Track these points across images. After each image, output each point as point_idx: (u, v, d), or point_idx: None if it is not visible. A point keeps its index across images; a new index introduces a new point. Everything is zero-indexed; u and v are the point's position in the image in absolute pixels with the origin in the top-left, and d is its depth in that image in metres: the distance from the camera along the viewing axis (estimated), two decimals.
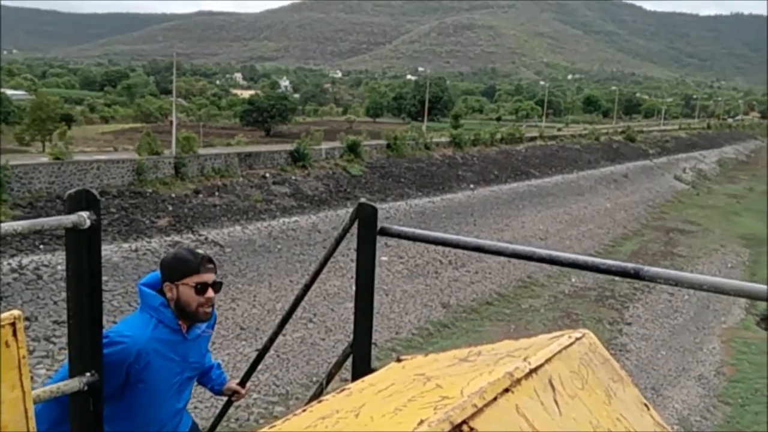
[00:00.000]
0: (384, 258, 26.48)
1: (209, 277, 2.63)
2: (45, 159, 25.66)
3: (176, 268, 2.63)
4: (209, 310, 2.66)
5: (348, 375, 2.51)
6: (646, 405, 1.15)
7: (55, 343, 17.44)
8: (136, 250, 22.49)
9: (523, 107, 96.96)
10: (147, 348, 2.55)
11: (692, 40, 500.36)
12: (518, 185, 42.44)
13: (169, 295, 2.63)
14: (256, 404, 17.03)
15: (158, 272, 2.71)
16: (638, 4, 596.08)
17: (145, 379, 2.58)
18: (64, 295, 2.24)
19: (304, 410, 1.13)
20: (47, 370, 16.36)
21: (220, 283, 2.72)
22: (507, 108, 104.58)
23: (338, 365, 2.63)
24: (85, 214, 2.08)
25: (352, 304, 2.63)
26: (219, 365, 3.16)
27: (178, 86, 59.67)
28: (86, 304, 2.19)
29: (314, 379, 18.26)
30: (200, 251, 2.67)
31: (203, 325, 2.77)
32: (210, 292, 2.63)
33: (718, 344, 25.18)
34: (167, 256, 2.71)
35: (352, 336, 2.62)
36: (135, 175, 25.96)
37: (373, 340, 2.57)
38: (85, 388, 2.19)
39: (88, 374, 2.20)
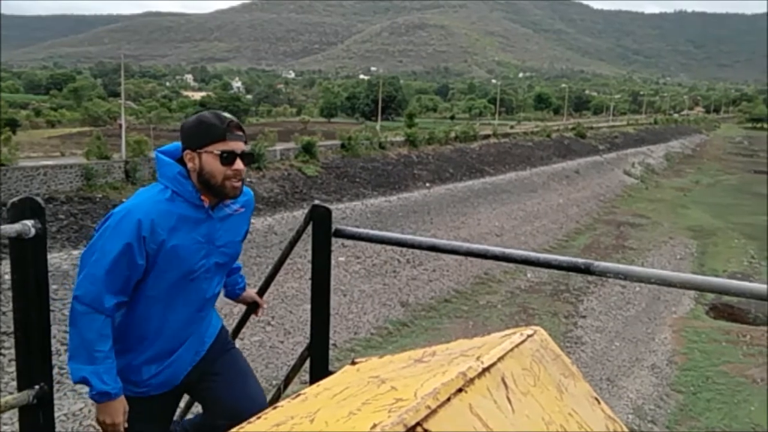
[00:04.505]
0: (341, 258, 26.43)
1: (238, 146, 2.23)
2: None
3: (198, 133, 2.22)
4: (238, 184, 2.25)
5: (308, 376, 2.51)
6: (597, 399, 1.17)
7: (4, 355, 16.92)
8: None
9: (476, 105, 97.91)
10: (162, 223, 2.16)
11: (638, 38, 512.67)
12: (473, 183, 42.82)
13: (190, 165, 2.23)
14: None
15: (177, 143, 2.32)
16: (585, 2, 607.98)
17: (167, 261, 2.20)
18: (12, 305, 2.16)
19: (258, 417, 1.12)
20: None
21: (251, 154, 2.34)
22: (460, 106, 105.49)
23: (295, 369, 2.62)
24: (29, 222, 2.03)
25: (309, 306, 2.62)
26: (240, 267, 2.75)
27: (126, 89, 58.56)
28: (33, 316, 2.13)
29: (274, 382, 18.10)
30: (227, 115, 2.26)
31: (234, 204, 2.35)
32: (239, 163, 2.23)
33: (670, 334, 25.84)
34: (188, 121, 2.29)
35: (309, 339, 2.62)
36: (84, 180, 25.35)
37: (333, 342, 2.57)
38: (35, 401, 2.14)
39: (37, 387, 2.15)
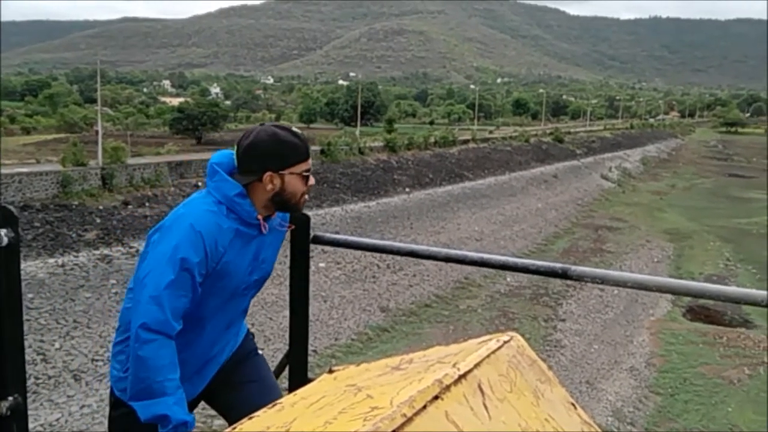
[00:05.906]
0: (321, 264, 26.35)
1: (311, 162, 2.24)
2: None
3: (284, 155, 2.14)
4: (307, 197, 2.27)
5: (287, 383, 2.49)
6: (573, 404, 1.18)
7: None
8: (62, 265, 21.68)
9: (455, 111, 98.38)
10: (221, 239, 2.09)
11: (614, 44, 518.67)
12: (453, 188, 42.94)
13: (269, 186, 2.14)
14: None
15: (230, 152, 2.20)
16: (562, 8, 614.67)
17: (217, 279, 2.12)
18: None
19: (234, 428, 1.11)
20: None
21: None
22: (439, 112, 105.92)
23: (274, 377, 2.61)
24: (1, 231, 2.00)
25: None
26: None
27: (103, 95, 57.93)
28: (6, 326, 2.10)
29: None
30: (297, 130, 2.21)
31: (278, 218, 2.31)
32: (312, 179, 2.23)
33: (648, 336, 26.07)
34: (262, 140, 2.13)
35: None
36: (60, 188, 25.05)
37: (313, 348, 2.55)
38: (8, 413, 2.11)
39: (11, 398, 2.11)
